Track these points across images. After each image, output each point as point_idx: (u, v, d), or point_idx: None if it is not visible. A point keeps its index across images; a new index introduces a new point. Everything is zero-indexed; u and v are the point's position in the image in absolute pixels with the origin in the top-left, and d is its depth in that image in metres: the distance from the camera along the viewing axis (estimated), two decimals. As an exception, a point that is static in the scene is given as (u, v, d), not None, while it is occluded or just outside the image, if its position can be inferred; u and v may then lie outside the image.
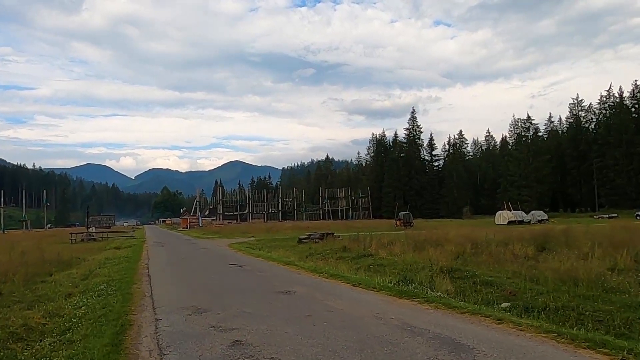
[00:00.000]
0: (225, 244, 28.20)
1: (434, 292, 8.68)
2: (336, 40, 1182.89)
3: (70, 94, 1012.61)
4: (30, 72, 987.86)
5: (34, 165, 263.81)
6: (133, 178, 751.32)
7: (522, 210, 58.74)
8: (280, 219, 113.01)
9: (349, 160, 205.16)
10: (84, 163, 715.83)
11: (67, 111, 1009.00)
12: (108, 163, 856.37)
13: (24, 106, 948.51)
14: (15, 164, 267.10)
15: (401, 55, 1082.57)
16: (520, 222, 53.20)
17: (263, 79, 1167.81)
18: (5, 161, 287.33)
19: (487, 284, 9.80)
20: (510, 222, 52.59)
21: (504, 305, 8.16)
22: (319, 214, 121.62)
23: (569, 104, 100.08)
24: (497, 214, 56.74)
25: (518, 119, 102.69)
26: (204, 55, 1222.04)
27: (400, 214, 49.48)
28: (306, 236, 26.84)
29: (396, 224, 47.51)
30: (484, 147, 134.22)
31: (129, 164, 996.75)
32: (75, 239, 38.37)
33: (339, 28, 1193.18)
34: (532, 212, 58.28)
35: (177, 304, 8.35)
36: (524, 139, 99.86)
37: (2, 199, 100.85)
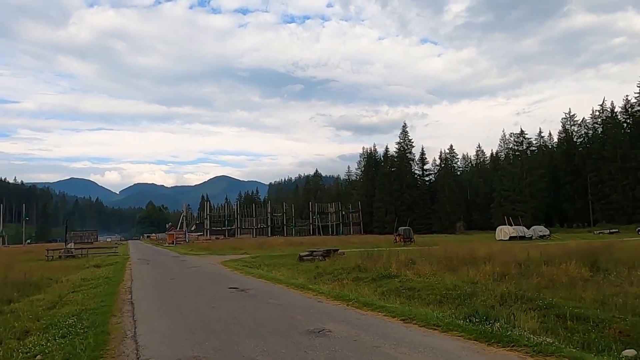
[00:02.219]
0: (217, 262, 25.59)
1: (519, 330, 6.38)
2: (324, 56, 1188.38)
3: (56, 107, 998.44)
4: (14, 85, 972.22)
5: (15, 180, 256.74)
6: (117, 193, 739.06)
7: (522, 225, 56.96)
8: (270, 235, 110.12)
9: (336, 176, 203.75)
10: (68, 177, 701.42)
11: (52, 125, 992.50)
12: (93, 178, 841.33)
13: (8, 120, 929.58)
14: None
15: (389, 72, 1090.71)
16: (522, 238, 51.39)
17: (251, 94, 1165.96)
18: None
19: (578, 318, 7.53)
20: (511, 238, 50.69)
21: (627, 352, 5.89)
22: (309, 229, 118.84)
23: (562, 119, 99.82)
24: (497, 228, 54.86)
25: (511, 133, 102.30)
26: (192, 70, 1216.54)
27: (399, 229, 47.24)
28: (307, 253, 24.38)
29: (396, 239, 45.20)
30: (473, 162, 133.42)
31: (114, 179, 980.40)
32: (53, 256, 35.28)
33: (328, 44, 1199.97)
34: (533, 227, 56.55)
35: (171, 353, 5.92)
36: (517, 153, 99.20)
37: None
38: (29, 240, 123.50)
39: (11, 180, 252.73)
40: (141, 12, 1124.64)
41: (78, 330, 7.68)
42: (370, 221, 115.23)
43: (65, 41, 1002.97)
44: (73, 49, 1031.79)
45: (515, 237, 51.18)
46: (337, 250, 24.00)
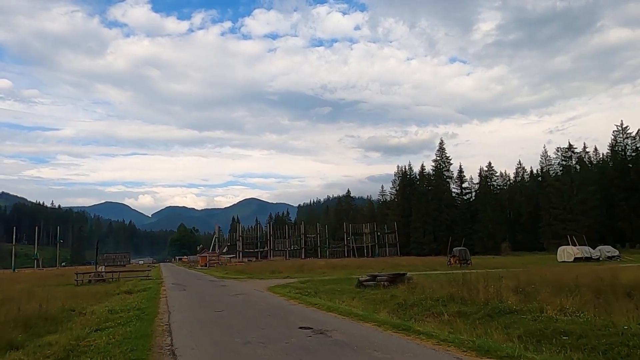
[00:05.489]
0: (262, 287, 22.33)
1: None
2: (353, 78, 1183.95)
3: (92, 134, 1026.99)
4: (54, 113, 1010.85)
5: (52, 204, 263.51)
6: (150, 216, 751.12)
7: (587, 245, 51.66)
8: (303, 257, 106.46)
9: (366, 197, 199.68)
10: (103, 201, 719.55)
11: (89, 151, 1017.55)
12: (127, 201, 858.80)
13: (48, 146, 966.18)
14: (35, 202, 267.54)
15: (417, 92, 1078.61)
16: (588, 259, 46.41)
17: (280, 117, 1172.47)
18: (25, 200, 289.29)
19: None
20: (576, 259, 45.77)
21: None
22: (344, 250, 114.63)
23: (613, 132, 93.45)
24: (559, 249, 49.68)
25: (558, 147, 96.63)
26: (223, 95, 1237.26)
27: (454, 249, 42.93)
28: (368, 278, 20.82)
29: (450, 261, 41.03)
30: (512, 180, 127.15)
31: (147, 202, 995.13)
32: (82, 280, 32.83)
33: (356, 67, 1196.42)
34: (599, 247, 51.17)
35: None
36: (563, 169, 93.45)
37: (14, 237, 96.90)
38: (63, 263, 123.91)
39: (49, 205, 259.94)
40: (174, 41, 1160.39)
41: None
42: (407, 242, 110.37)
43: (103, 70, 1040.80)
44: (110, 77, 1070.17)
45: (581, 258, 46.24)
46: (405, 274, 20.32)
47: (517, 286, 13.31)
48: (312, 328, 9.43)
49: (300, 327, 9.61)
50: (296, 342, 8.11)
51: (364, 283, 20.23)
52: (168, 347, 8.11)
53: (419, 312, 12.17)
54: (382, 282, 19.27)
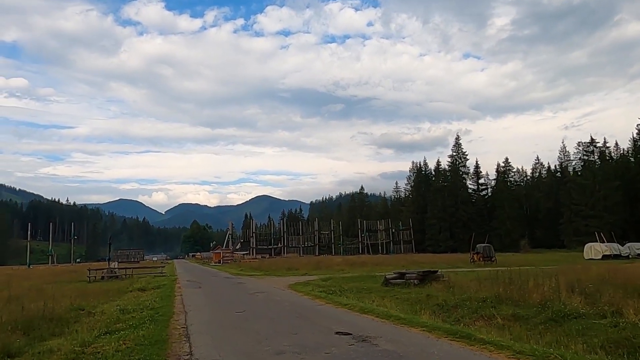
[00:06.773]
0: (281, 285, 21.10)
1: None
2: (365, 75, 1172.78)
3: (107, 132, 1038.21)
4: (69, 111, 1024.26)
5: (67, 201, 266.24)
6: (163, 213, 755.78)
7: (616, 242, 49.56)
8: (317, 253, 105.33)
9: (378, 194, 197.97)
10: (117, 198, 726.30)
11: (103, 148, 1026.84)
12: (140, 198, 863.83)
13: (63, 144, 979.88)
14: (50, 199, 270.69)
15: (430, 89, 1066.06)
16: (617, 257, 44.39)
17: (292, 115, 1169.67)
18: (41, 197, 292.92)
19: None
20: (605, 257, 43.80)
21: None
22: (358, 247, 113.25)
23: (637, 125, 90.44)
24: (586, 246, 47.72)
25: (579, 142, 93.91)
26: (235, 92, 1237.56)
27: (478, 246, 41.31)
28: (396, 275, 19.49)
29: (473, 258, 39.42)
30: (529, 176, 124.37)
31: (160, 199, 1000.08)
32: (95, 277, 31.97)
33: (368, 63, 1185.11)
34: (628, 244, 49.08)
35: None
36: (584, 164, 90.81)
37: (29, 233, 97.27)
38: (78, 260, 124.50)
39: (64, 201, 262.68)
40: (187, 38, 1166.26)
41: None
42: (422, 239, 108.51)
43: (117, 68, 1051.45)
44: (124, 76, 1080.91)
45: (609, 255, 44.23)
46: (437, 271, 18.91)
47: (571, 285, 11.86)
48: (351, 334, 8.13)
49: (338, 333, 8.31)
50: (338, 352, 6.80)
51: (391, 281, 18.91)
52: (186, 357, 6.87)
53: (465, 315, 10.80)
54: (411, 280, 17.91)
